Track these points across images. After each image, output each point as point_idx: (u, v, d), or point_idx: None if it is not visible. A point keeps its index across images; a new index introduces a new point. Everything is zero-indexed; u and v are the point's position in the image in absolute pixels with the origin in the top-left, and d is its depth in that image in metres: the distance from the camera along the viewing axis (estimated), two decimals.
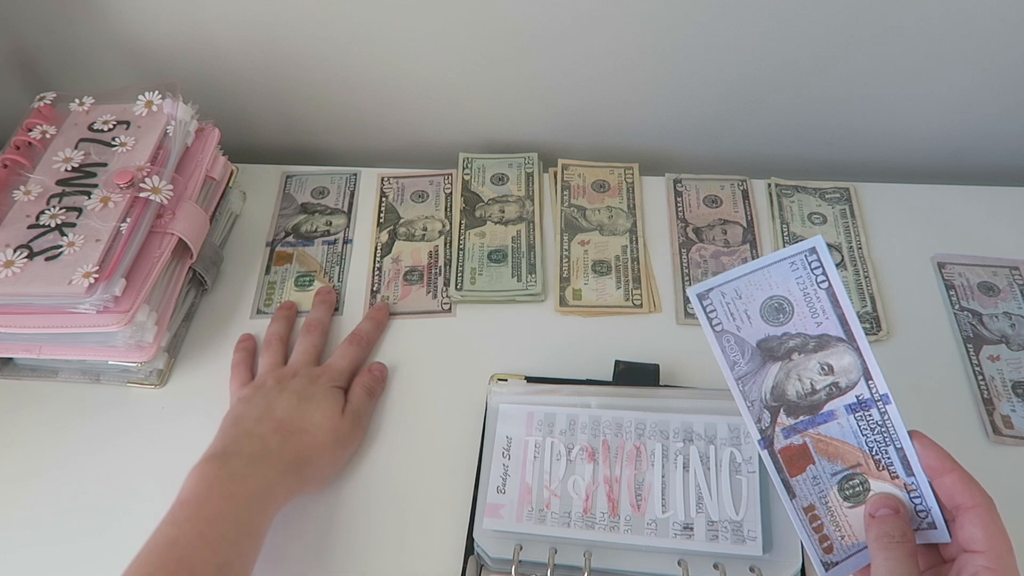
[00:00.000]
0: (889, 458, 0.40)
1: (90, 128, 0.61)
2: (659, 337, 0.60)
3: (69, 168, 0.58)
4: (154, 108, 0.62)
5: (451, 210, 0.70)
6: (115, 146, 0.60)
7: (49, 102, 0.63)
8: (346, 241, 0.68)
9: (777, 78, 0.69)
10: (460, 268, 0.65)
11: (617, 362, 0.56)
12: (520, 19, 0.66)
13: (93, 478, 0.54)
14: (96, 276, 0.51)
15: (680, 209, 0.69)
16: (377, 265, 0.66)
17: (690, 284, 0.63)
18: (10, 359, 0.59)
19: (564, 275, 0.64)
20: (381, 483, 0.54)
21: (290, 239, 0.69)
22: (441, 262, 0.66)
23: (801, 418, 0.40)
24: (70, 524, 0.52)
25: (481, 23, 0.66)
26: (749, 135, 0.75)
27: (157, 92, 0.62)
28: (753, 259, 0.65)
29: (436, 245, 0.67)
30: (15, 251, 0.53)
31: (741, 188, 0.70)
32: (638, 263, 0.65)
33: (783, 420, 0.40)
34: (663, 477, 0.50)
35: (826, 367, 0.39)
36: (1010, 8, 0.61)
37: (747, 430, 0.40)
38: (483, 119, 0.75)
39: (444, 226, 0.69)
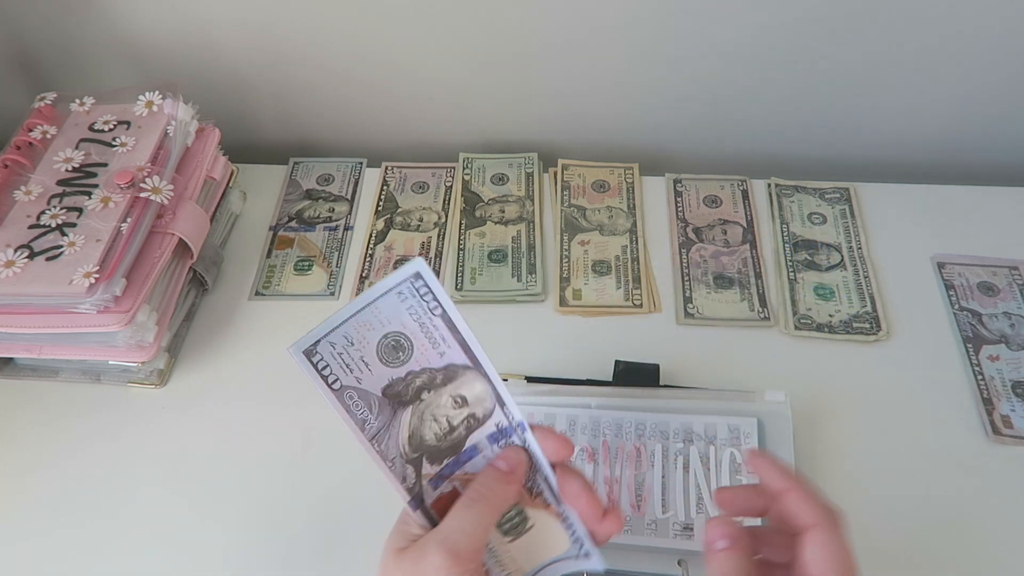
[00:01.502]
0: (539, 486, 0.37)
1: (91, 128, 0.61)
2: (659, 337, 0.61)
3: (70, 168, 0.58)
4: (154, 108, 0.62)
5: (449, 203, 0.70)
6: (115, 146, 0.60)
7: (50, 102, 0.63)
8: (347, 228, 0.69)
9: (777, 78, 0.69)
10: (460, 268, 0.65)
11: (617, 362, 0.57)
12: (520, 20, 0.66)
13: (93, 478, 0.54)
14: (97, 276, 0.51)
15: (680, 209, 0.69)
16: (369, 252, 0.67)
17: (690, 284, 0.63)
18: (11, 359, 0.59)
19: (564, 275, 0.64)
20: (381, 483, 0.53)
21: (293, 224, 0.69)
22: (432, 253, 0.66)
23: (445, 462, 0.36)
24: (70, 524, 0.52)
25: (481, 24, 0.66)
26: (749, 135, 0.75)
27: (157, 92, 0.62)
28: (753, 259, 0.65)
29: (430, 236, 0.68)
30: (16, 251, 0.53)
31: (741, 188, 0.70)
32: (638, 263, 0.65)
33: (428, 470, 0.36)
34: (663, 477, 0.50)
35: (459, 399, 0.35)
36: (1010, 8, 0.62)
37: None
38: (483, 119, 0.75)
39: (440, 218, 0.69)
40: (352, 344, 0.34)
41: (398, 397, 0.35)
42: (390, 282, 0.33)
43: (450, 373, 0.35)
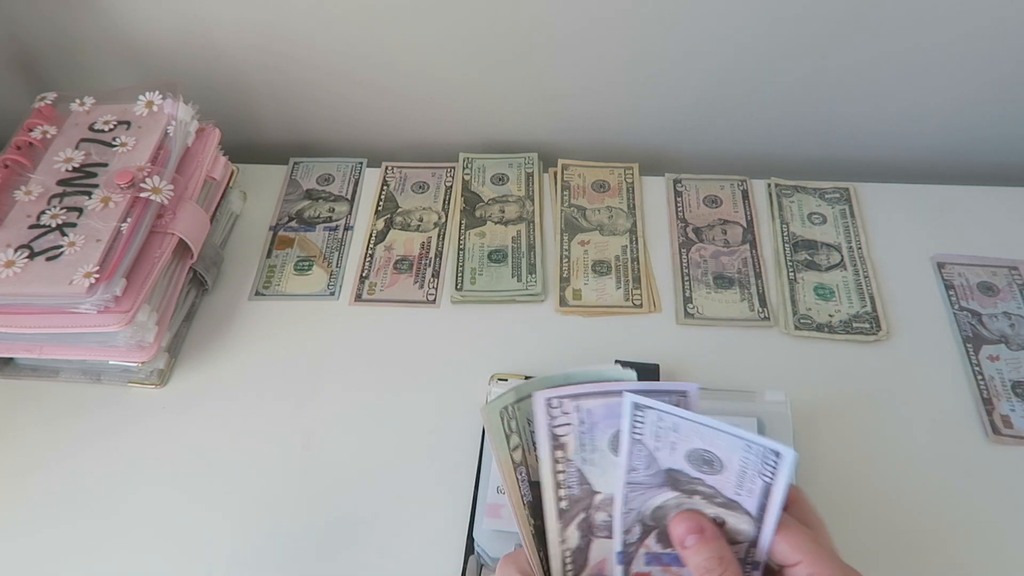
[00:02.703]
0: None
1: (91, 128, 0.61)
2: (659, 337, 0.61)
3: (70, 168, 0.58)
4: (154, 108, 0.62)
5: (449, 203, 0.70)
6: (116, 146, 0.60)
7: (50, 102, 0.63)
8: (347, 228, 0.69)
9: (777, 78, 0.69)
10: (460, 268, 0.65)
11: (617, 362, 0.57)
12: (520, 19, 0.66)
13: (93, 478, 0.54)
14: (97, 276, 0.51)
15: (680, 209, 0.69)
16: (369, 252, 0.67)
17: (690, 284, 0.63)
18: (11, 359, 0.59)
19: (564, 275, 0.64)
20: (381, 483, 0.54)
21: (293, 224, 0.69)
22: (432, 253, 0.66)
23: (669, 551, 0.35)
24: (70, 523, 0.52)
25: (481, 24, 0.66)
26: (749, 135, 0.75)
27: (157, 92, 0.62)
28: (753, 259, 0.65)
29: (430, 236, 0.68)
30: (16, 251, 0.53)
31: (741, 188, 0.70)
32: (638, 263, 0.65)
33: (650, 544, 0.36)
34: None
35: (720, 519, 0.35)
36: (1010, 8, 0.62)
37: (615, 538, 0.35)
38: (483, 119, 0.75)
39: (440, 218, 0.69)
40: (675, 431, 0.34)
41: (675, 482, 0.35)
42: (750, 436, 0.33)
43: (732, 505, 0.35)
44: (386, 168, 0.74)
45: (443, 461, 0.54)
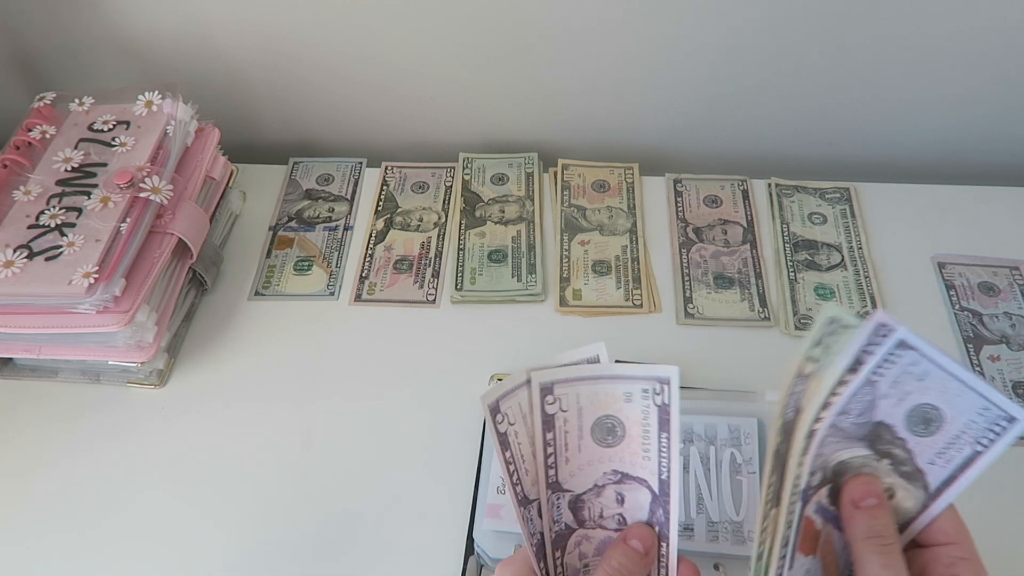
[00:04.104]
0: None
1: (90, 128, 0.61)
2: (659, 337, 0.60)
3: (69, 168, 0.58)
4: (154, 108, 0.62)
5: (449, 203, 0.70)
6: (115, 146, 0.60)
7: (49, 102, 0.63)
8: (347, 228, 0.69)
9: (778, 78, 0.69)
10: (460, 268, 0.65)
11: (617, 362, 0.56)
12: (520, 19, 0.66)
13: (93, 478, 0.54)
14: (96, 276, 0.51)
15: (680, 209, 0.69)
16: (369, 252, 0.67)
17: (690, 284, 0.63)
18: (10, 359, 0.59)
19: (564, 275, 0.64)
20: (381, 483, 0.54)
21: (292, 224, 0.69)
22: (432, 253, 0.66)
23: (832, 508, 0.35)
24: (69, 524, 0.52)
25: (481, 23, 0.66)
26: (749, 135, 0.75)
27: (157, 92, 0.62)
28: (753, 259, 0.65)
29: (429, 236, 0.68)
30: (15, 251, 0.53)
31: (741, 188, 0.70)
32: (638, 263, 0.65)
33: (822, 495, 0.35)
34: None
35: (891, 491, 0.34)
36: (1010, 9, 0.61)
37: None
38: (483, 119, 0.75)
39: (440, 218, 0.69)
40: (920, 382, 0.33)
41: (876, 438, 0.34)
42: (995, 397, 0.32)
43: (915, 476, 0.34)
44: (386, 168, 0.74)
45: (443, 461, 0.54)
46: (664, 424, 0.35)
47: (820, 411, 0.32)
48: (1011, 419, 0.32)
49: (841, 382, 0.32)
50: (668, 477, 0.36)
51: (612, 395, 0.36)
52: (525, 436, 0.36)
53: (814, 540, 0.34)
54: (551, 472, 0.36)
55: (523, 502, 0.36)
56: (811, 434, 0.33)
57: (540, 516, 0.37)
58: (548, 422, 0.35)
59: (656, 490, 0.36)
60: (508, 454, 0.35)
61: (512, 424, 0.35)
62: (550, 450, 0.36)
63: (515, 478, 0.35)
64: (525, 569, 0.36)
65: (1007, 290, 0.62)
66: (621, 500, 0.37)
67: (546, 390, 0.35)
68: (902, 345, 0.31)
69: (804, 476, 0.33)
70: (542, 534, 0.37)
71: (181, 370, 0.60)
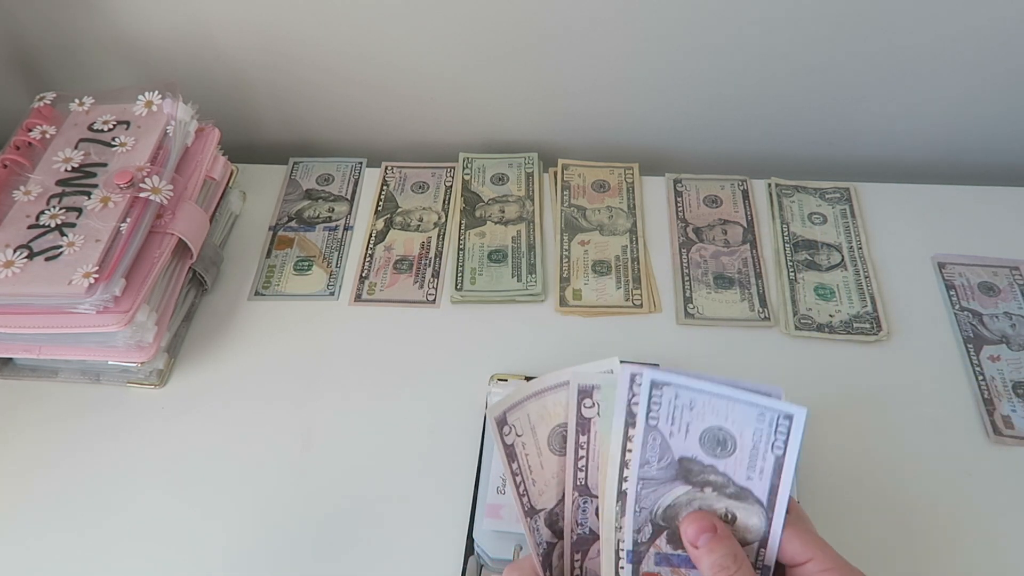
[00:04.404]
0: None
1: (90, 128, 0.61)
2: (659, 337, 0.60)
3: (69, 168, 0.58)
4: (154, 108, 0.62)
5: (449, 203, 0.70)
6: (115, 146, 0.60)
7: (49, 102, 0.63)
8: (347, 228, 0.69)
9: (778, 78, 0.69)
10: (460, 268, 0.65)
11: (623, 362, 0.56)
12: (520, 19, 0.66)
13: (93, 478, 0.54)
14: (96, 276, 0.51)
15: (680, 209, 0.69)
16: (369, 252, 0.67)
17: (690, 284, 0.63)
18: (10, 359, 0.59)
19: (564, 275, 0.64)
20: (381, 483, 0.54)
21: (292, 224, 0.69)
22: (432, 253, 0.66)
23: (680, 552, 0.35)
24: (69, 524, 0.52)
25: (481, 23, 0.66)
26: (749, 135, 0.75)
27: (157, 92, 0.62)
28: (753, 259, 0.65)
29: (429, 236, 0.68)
30: (15, 251, 0.53)
31: (741, 188, 0.70)
32: (638, 263, 0.65)
33: (661, 544, 0.35)
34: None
35: (731, 516, 0.35)
36: (1009, 8, 0.61)
37: (625, 539, 0.35)
38: (483, 119, 0.75)
39: (440, 218, 0.69)
40: (691, 409, 0.34)
41: (687, 473, 0.35)
42: (762, 400, 0.33)
43: (742, 494, 0.34)
44: (386, 168, 0.74)
45: (443, 461, 0.54)
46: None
47: (622, 472, 0.34)
48: (788, 415, 0.33)
49: (627, 438, 0.33)
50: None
51: (559, 403, 0.36)
52: (533, 447, 0.36)
53: None
54: (580, 475, 0.36)
55: (529, 513, 0.36)
56: (622, 495, 0.34)
57: (547, 526, 0.36)
58: (584, 425, 0.35)
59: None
60: (515, 465, 0.35)
61: (520, 436, 0.35)
62: (582, 453, 0.35)
63: (521, 489, 0.35)
64: (530, 574, 0.36)
65: (1007, 290, 0.62)
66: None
67: (500, 422, 0.35)
68: (655, 385, 0.33)
69: (627, 538, 0.34)
70: (548, 543, 0.37)
71: (181, 370, 0.60)
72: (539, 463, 0.36)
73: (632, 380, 0.32)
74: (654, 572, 0.35)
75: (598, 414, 0.35)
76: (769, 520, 0.34)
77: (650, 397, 0.33)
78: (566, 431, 0.36)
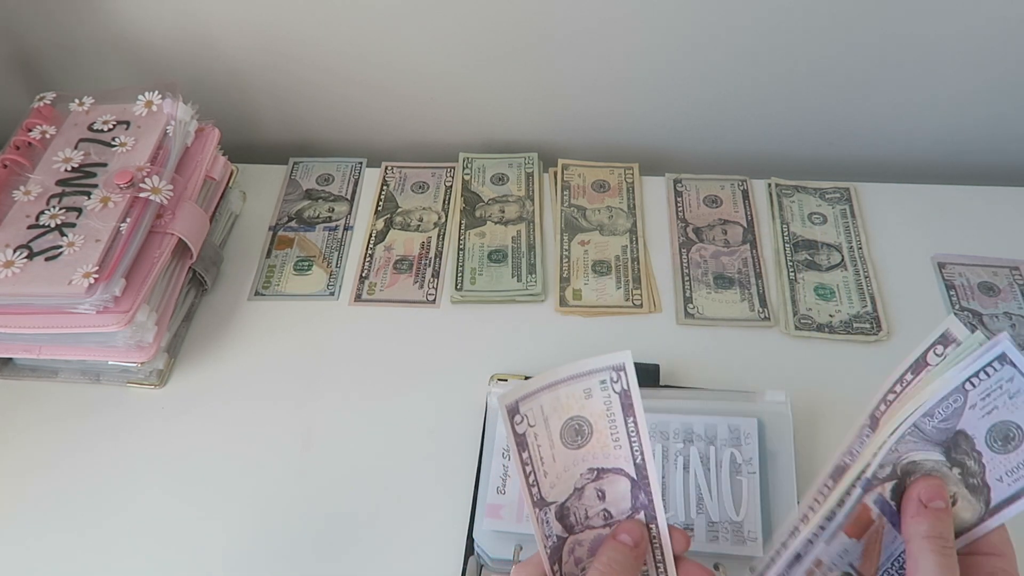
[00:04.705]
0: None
1: (90, 128, 0.61)
2: (659, 337, 0.60)
3: (69, 168, 0.58)
4: (154, 108, 0.62)
5: (449, 203, 0.70)
6: (115, 146, 0.59)
7: (49, 102, 0.63)
8: (347, 228, 0.69)
9: (778, 78, 0.69)
10: (460, 268, 0.65)
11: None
12: (520, 19, 0.66)
13: (93, 478, 0.54)
14: (96, 276, 0.51)
15: (680, 209, 0.69)
16: (369, 252, 0.67)
17: (690, 284, 0.63)
18: (10, 359, 0.59)
19: (564, 275, 0.64)
20: (381, 483, 0.54)
21: (292, 224, 0.69)
22: (432, 253, 0.66)
23: (893, 505, 0.35)
24: (69, 524, 0.52)
25: (481, 24, 0.66)
26: (749, 135, 0.75)
27: (157, 92, 0.62)
28: (753, 259, 0.65)
29: (429, 236, 0.68)
30: (15, 251, 0.53)
31: (741, 188, 0.70)
32: (638, 263, 0.65)
33: (886, 490, 0.35)
34: (663, 478, 0.50)
35: (954, 499, 0.35)
36: (1010, 9, 0.61)
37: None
38: (483, 119, 0.75)
39: (440, 218, 0.69)
40: (1011, 399, 0.33)
41: (954, 446, 0.34)
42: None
43: (979, 490, 0.34)
44: (386, 168, 0.74)
45: (443, 461, 0.54)
46: (628, 409, 0.36)
47: (912, 412, 0.33)
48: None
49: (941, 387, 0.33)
50: (643, 460, 0.36)
51: (573, 395, 0.36)
52: (546, 439, 0.35)
53: (865, 526, 0.35)
54: (534, 490, 0.36)
55: (539, 503, 0.36)
56: (896, 428, 0.33)
57: (557, 519, 0.36)
58: (521, 442, 0.35)
59: (634, 475, 0.36)
60: (525, 455, 0.35)
61: (532, 426, 0.35)
62: (528, 468, 0.35)
63: (531, 479, 0.35)
64: (538, 573, 0.36)
65: (1007, 290, 0.62)
66: (602, 496, 0.37)
67: (512, 410, 0.35)
68: (1002, 359, 0.32)
69: (874, 466, 0.33)
70: (558, 537, 0.37)
71: (181, 370, 0.60)
72: (551, 455, 0.36)
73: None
74: (870, 506, 0.35)
75: (529, 424, 0.36)
76: (980, 521, 0.34)
77: (988, 365, 0.32)
78: (580, 424, 0.36)
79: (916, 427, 0.33)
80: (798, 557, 0.35)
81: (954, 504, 0.34)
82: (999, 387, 0.32)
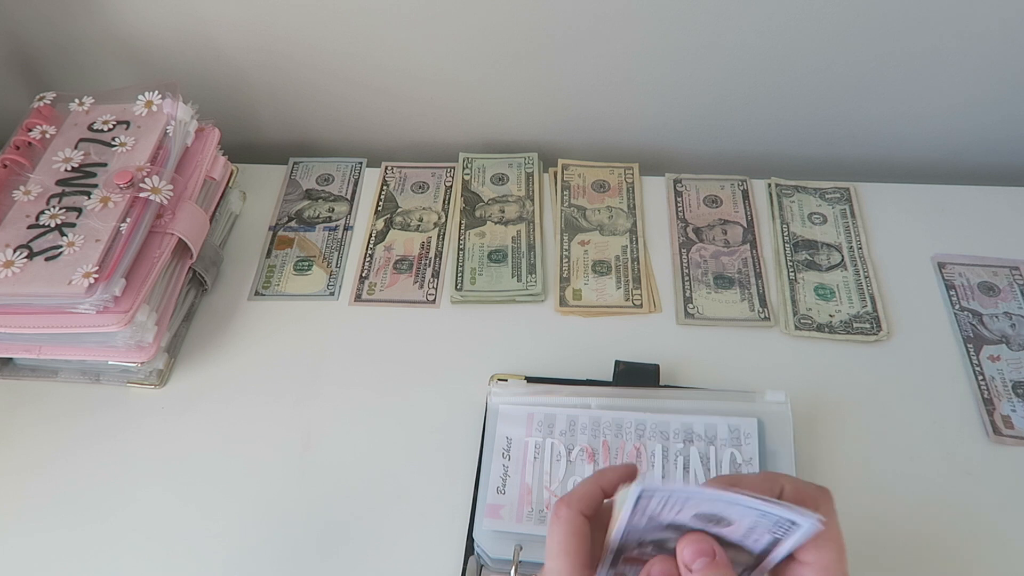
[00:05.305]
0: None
1: (90, 128, 0.61)
2: (659, 337, 0.60)
3: (69, 168, 0.58)
4: (154, 108, 0.62)
5: (449, 203, 0.70)
6: (115, 146, 0.60)
7: (49, 102, 0.63)
8: (347, 228, 0.69)
9: (777, 78, 0.69)
10: (460, 268, 0.65)
11: (617, 362, 0.56)
12: (520, 20, 0.66)
13: (93, 478, 0.54)
14: (96, 276, 0.51)
15: (680, 209, 0.69)
16: (369, 252, 0.67)
17: (690, 284, 0.63)
18: (10, 359, 0.59)
19: (564, 275, 0.64)
20: (381, 483, 0.54)
21: (292, 224, 0.69)
22: (432, 253, 0.66)
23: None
24: (69, 524, 0.52)
25: (481, 24, 0.66)
26: (749, 135, 0.75)
27: (157, 92, 0.62)
28: (753, 259, 0.65)
29: (429, 236, 0.68)
30: (15, 251, 0.53)
31: (741, 188, 0.70)
32: (638, 263, 0.65)
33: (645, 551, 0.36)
34: (663, 478, 0.50)
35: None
36: (1010, 10, 0.61)
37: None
38: (483, 119, 0.75)
39: (440, 218, 0.69)
40: (687, 502, 0.32)
41: (678, 528, 0.34)
42: (771, 509, 0.31)
43: (736, 547, 0.34)
44: (386, 168, 0.74)
45: (443, 461, 0.54)
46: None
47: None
48: (793, 523, 0.31)
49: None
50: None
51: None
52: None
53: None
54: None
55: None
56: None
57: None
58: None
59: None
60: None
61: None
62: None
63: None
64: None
65: (1007, 290, 0.62)
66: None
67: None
68: (644, 496, 0.31)
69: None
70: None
71: (181, 370, 0.60)
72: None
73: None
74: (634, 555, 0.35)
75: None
76: (759, 560, 0.34)
77: (635, 505, 0.32)
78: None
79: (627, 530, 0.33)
80: None
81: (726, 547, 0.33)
82: (667, 502, 0.32)
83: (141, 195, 0.56)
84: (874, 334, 0.59)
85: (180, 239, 0.57)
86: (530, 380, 0.56)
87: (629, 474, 0.36)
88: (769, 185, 0.70)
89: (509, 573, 0.47)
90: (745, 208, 0.69)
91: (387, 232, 0.68)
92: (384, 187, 0.72)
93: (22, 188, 0.57)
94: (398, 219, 0.69)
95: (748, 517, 0.32)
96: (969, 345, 0.58)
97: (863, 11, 0.63)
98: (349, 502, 0.53)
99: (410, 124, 0.76)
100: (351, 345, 0.61)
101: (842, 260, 0.64)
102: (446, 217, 0.69)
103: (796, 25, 0.64)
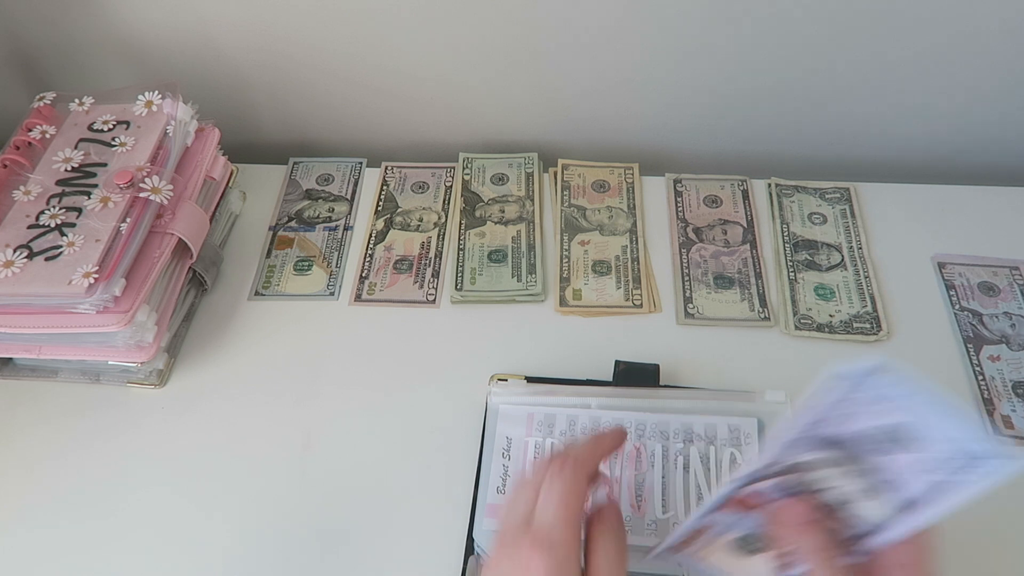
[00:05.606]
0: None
1: (90, 128, 0.61)
2: (659, 337, 0.60)
3: (69, 168, 0.58)
4: (154, 108, 0.62)
5: (449, 203, 0.70)
6: (115, 146, 0.60)
7: (49, 102, 0.63)
8: (347, 228, 0.69)
9: (778, 79, 0.69)
10: (460, 268, 0.65)
11: (617, 362, 0.56)
12: (520, 20, 0.66)
13: (93, 478, 0.54)
14: (96, 276, 0.51)
15: (680, 209, 0.69)
16: (369, 252, 0.67)
17: (690, 284, 0.63)
18: (10, 359, 0.59)
19: (564, 275, 0.64)
20: (381, 483, 0.54)
21: (292, 224, 0.69)
22: (432, 253, 0.66)
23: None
24: (69, 524, 0.52)
25: (481, 24, 0.66)
26: (749, 135, 0.75)
27: (157, 92, 0.62)
28: (753, 259, 0.65)
29: (429, 236, 0.68)
30: (15, 251, 0.53)
31: (741, 188, 0.70)
32: (638, 263, 0.65)
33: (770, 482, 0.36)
34: (663, 478, 0.50)
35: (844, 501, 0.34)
36: (1010, 9, 0.61)
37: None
38: (483, 119, 0.75)
39: (440, 218, 0.69)
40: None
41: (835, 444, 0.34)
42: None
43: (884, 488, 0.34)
44: (386, 168, 0.74)
45: (443, 461, 0.54)
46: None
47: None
48: (974, 459, 0.30)
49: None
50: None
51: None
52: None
53: (750, 506, 0.36)
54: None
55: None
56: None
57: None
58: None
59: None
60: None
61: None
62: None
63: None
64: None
65: (1007, 290, 0.62)
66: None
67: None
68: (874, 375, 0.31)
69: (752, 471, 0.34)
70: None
71: (181, 370, 0.60)
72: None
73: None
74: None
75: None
76: (890, 520, 0.33)
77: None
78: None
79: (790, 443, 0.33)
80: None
81: (845, 505, 0.33)
82: (850, 397, 0.32)
83: (141, 195, 0.56)
84: (874, 334, 0.59)
85: (180, 239, 0.57)
86: (530, 380, 0.56)
87: (621, 439, 0.40)
88: (769, 185, 0.70)
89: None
90: (745, 208, 0.69)
91: (387, 232, 0.68)
92: (384, 187, 0.72)
93: (22, 188, 0.57)
94: (398, 219, 0.69)
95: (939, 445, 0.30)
96: (969, 345, 0.58)
97: (863, 11, 0.63)
98: (349, 502, 0.53)
99: (410, 124, 0.76)
100: (351, 345, 0.61)
101: (842, 260, 0.64)
102: (446, 217, 0.69)
103: (796, 25, 0.64)
